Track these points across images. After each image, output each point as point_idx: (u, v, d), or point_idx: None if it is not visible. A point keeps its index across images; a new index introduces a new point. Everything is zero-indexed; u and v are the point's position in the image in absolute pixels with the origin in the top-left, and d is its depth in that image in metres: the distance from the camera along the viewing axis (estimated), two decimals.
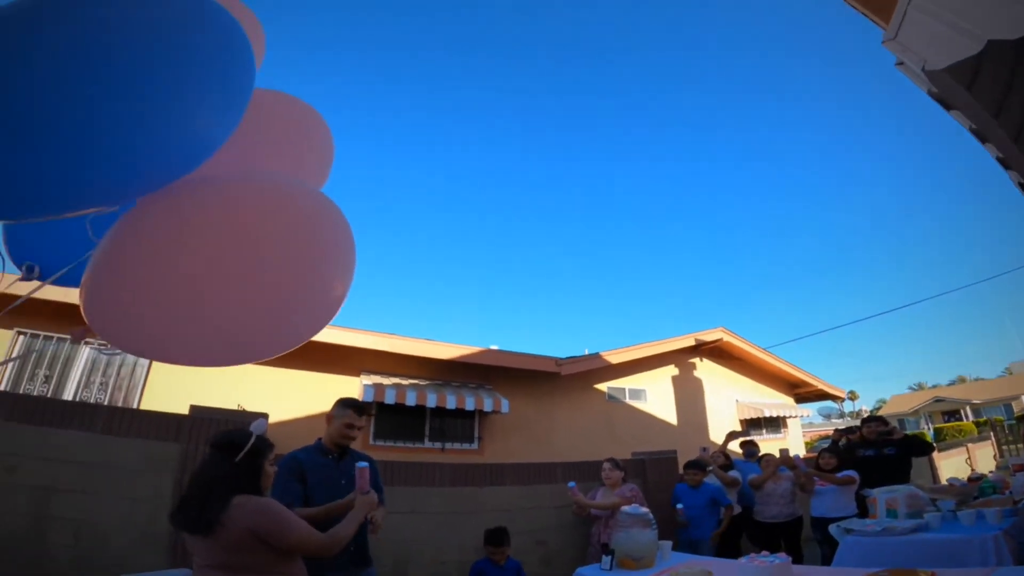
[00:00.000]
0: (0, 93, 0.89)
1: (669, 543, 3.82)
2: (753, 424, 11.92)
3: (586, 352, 9.63)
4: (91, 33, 0.95)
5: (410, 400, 7.28)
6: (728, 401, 11.71)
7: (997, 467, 10.60)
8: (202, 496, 1.82)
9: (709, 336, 11.30)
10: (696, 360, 11.54)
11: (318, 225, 1.36)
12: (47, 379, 6.48)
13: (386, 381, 7.64)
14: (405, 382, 7.86)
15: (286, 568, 1.89)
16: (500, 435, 8.51)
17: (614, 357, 9.66)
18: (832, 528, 3.98)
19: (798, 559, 4.77)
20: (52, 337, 6.60)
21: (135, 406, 6.54)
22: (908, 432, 6.65)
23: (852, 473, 4.69)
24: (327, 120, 1.91)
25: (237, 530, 1.76)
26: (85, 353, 6.70)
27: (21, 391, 6.23)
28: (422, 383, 8.05)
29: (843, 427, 5.94)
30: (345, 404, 3.00)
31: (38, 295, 6.40)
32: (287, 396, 7.05)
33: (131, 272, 1.22)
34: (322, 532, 1.99)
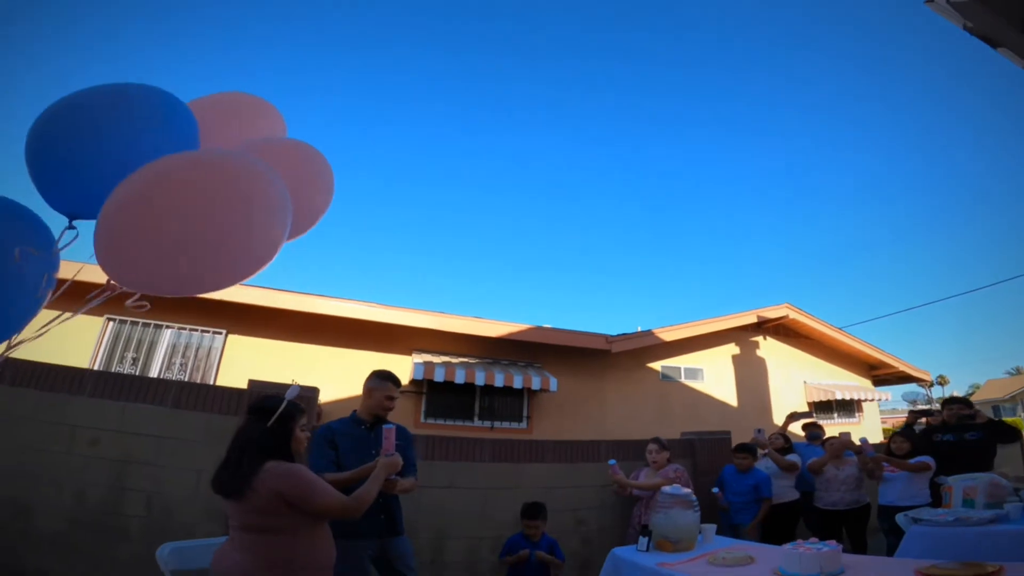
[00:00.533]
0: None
1: (713, 526, 3.64)
2: (823, 407, 11.21)
3: (639, 329, 9.37)
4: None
5: (459, 378, 7.36)
6: (795, 382, 11.06)
7: None
8: (236, 460, 1.90)
9: (773, 313, 10.68)
10: (759, 338, 10.95)
11: (255, 186, 1.66)
12: (135, 361, 7.11)
13: (436, 359, 7.76)
14: (455, 360, 7.95)
15: (313, 531, 1.94)
16: (549, 414, 8.47)
17: (668, 334, 9.34)
18: (899, 517, 3.68)
19: (861, 549, 4.44)
20: (138, 323, 7.22)
21: (211, 383, 7.03)
22: (1003, 419, 6.02)
23: (927, 459, 4.29)
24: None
25: (266, 493, 1.82)
26: (168, 337, 7.28)
27: (112, 370, 6.87)
28: (471, 361, 8.12)
29: (919, 409, 5.42)
30: (383, 377, 3.08)
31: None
32: (342, 375, 7.32)
33: (122, 222, 1.53)
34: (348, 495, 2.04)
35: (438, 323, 7.86)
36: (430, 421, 7.71)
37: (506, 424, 8.10)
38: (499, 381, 7.57)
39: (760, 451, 4.88)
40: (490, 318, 8.40)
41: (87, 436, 3.60)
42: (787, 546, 2.92)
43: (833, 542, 2.93)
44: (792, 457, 4.83)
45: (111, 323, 7.14)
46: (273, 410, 2.00)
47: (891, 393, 13.22)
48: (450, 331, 7.97)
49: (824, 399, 10.86)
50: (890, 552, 4.00)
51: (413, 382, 7.71)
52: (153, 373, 7.06)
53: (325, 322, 7.49)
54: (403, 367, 7.81)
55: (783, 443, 5.00)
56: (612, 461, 4.20)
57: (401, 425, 3.01)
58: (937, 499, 3.98)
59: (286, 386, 3.92)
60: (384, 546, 2.85)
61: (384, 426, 2.59)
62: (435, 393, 7.75)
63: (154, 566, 2.43)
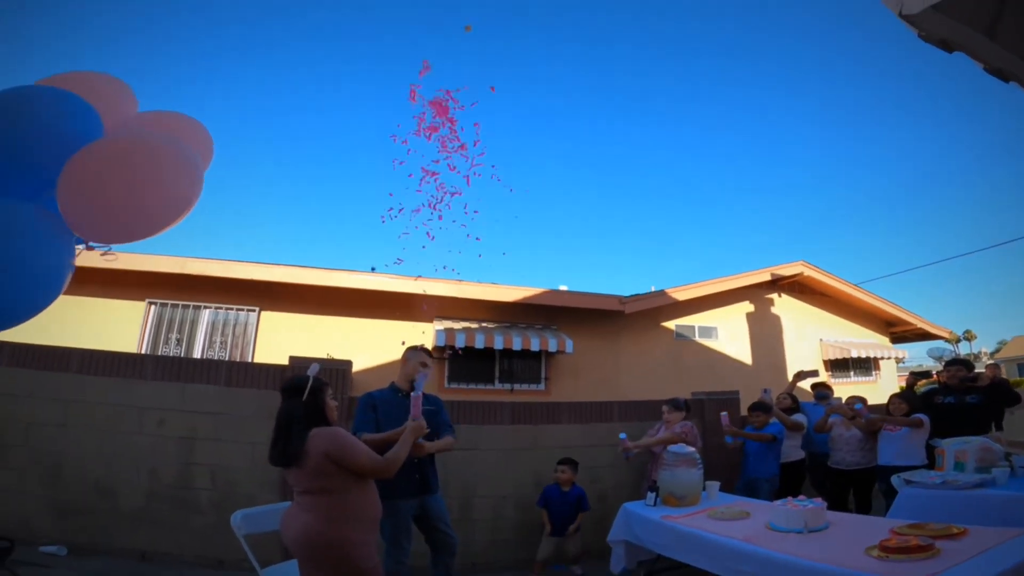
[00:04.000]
0: None
1: (717, 484, 3.94)
2: (839, 365, 11.33)
3: (652, 289, 9.54)
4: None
5: (479, 343, 7.70)
6: (811, 340, 11.18)
7: None
8: (286, 434, 2.17)
9: (787, 271, 10.70)
10: (774, 296, 11.04)
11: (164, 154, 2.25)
12: (179, 342, 7.64)
13: (456, 326, 8.09)
14: (474, 326, 8.27)
15: (362, 489, 2.23)
16: (567, 375, 8.82)
17: (681, 294, 9.49)
18: (894, 479, 3.85)
19: (866, 510, 4.63)
20: (178, 305, 7.70)
21: (250, 359, 7.56)
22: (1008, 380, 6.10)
23: (921, 416, 4.44)
24: None
25: (317, 456, 2.10)
26: (207, 316, 7.79)
27: (159, 353, 7.40)
28: (490, 326, 8.43)
29: (920, 371, 5.56)
30: (416, 348, 3.47)
31: (164, 268, 7.40)
32: (369, 344, 7.73)
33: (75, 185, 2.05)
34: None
35: (457, 290, 8.12)
36: (453, 386, 8.11)
37: (525, 386, 8.47)
38: (517, 344, 7.89)
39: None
40: (506, 283, 8.66)
41: (154, 417, 4.00)
42: (777, 503, 3.22)
43: (819, 499, 3.21)
44: (798, 417, 5.01)
45: (153, 307, 7.65)
46: (303, 387, 2.26)
47: (908, 351, 13.26)
48: (469, 298, 8.25)
49: (840, 357, 10.98)
50: (887, 513, 4.23)
51: (435, 348, 8.07)
52: (196, 352, 7.59)
53: (350, 295, 7.83)
54: (426, 334, 8.18)
55: (790, 403, 5.18)
56: (623, 435, 4.38)
57: (431, 394, 3.35)
58: (933, 461, 4.16)
59: (323, 359, 4.27)
60: (423, 504, 3.18)
61: (412, 393, 2.87)
62: (457, 358, 8.11)
63: (224, 533, 2.79)
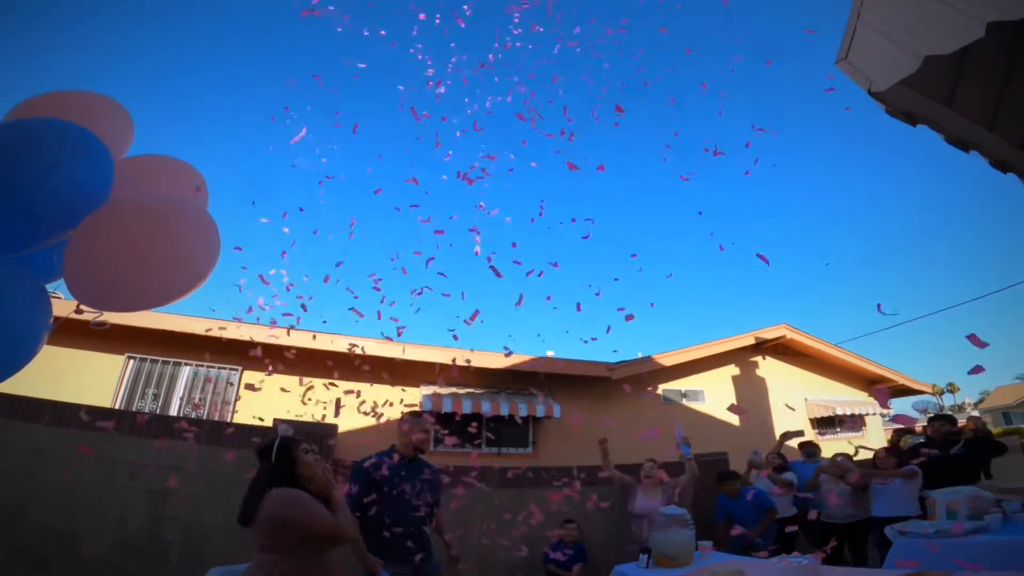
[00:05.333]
0: None
1: (710, 543, 3.86)
2: (825, 423, 11.35)
3: (639, 355, 9.61)
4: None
5: (466, 408, 7.62)
6: (796, 400, 11.23)
7: None
8: (248, 495, 2.15)
9: (770, 334, 10.92)
10: (758, 359, 11.18)
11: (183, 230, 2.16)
12: (155, 397, 7.41)
13: (443, 391, 8.02)
14: (461, 391, 8.20)
15: (316, 555, 2.09)
16: (554, 439, 8.67)
17: (668, 359, 9.58)
18: (888, 530, 3.85)
19: (862, 562, 4.59)
20: (158, 360, 7.55)
21: (228, 420, 7.32)
22: (1015, 426, 6.16)
23: (913, 467, 4.48)
24: None
25: (265, 516, 2.04)
26: (186, 373, 7.60)
27: (134, 408, 7.16)
28: (477, 392, 8.36)
29: (902, 428, 5.65)
30: (415, 417, 3.48)
31: (144, 323, 7.29)
32: (356, 408, 7.58)
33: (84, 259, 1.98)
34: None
35: (444, 357, 8.13)
36: (439, 449, 7.91)
37: (512, 450, 8.30)
38: (504, 410, 7.81)
39: (757, 472, 5.08)
40: (493, 350, 8.68)
41: (125, 471, 3.90)
42: (773, 560, 3.16)
43: (813, 556, 3.17)
44: (788, 475, 5.05)
45: (132, 361, 7.46)
46: (271, 448, 2.24)
47: (893, 407, 13.32)
48: (457, 364, 8.24)
49: (826, 415, 11.01)
50: (882, 564, 4.18)
51: (408, 413, 7.94)
52: (173, 409, 7.34)
53: (335, 358, 7.77)
54: (412, 399, 8.07)
55: (780, 462, 5.21)
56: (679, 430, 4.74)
57: (432, 466, 3.41)
58: (925, 512, 4.16)
59: (308, 423, 4.21)
60: (418, 570, 3.10)
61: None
62: (444, 423, 7.98)
63: None
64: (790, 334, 11.08)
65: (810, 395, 11.46)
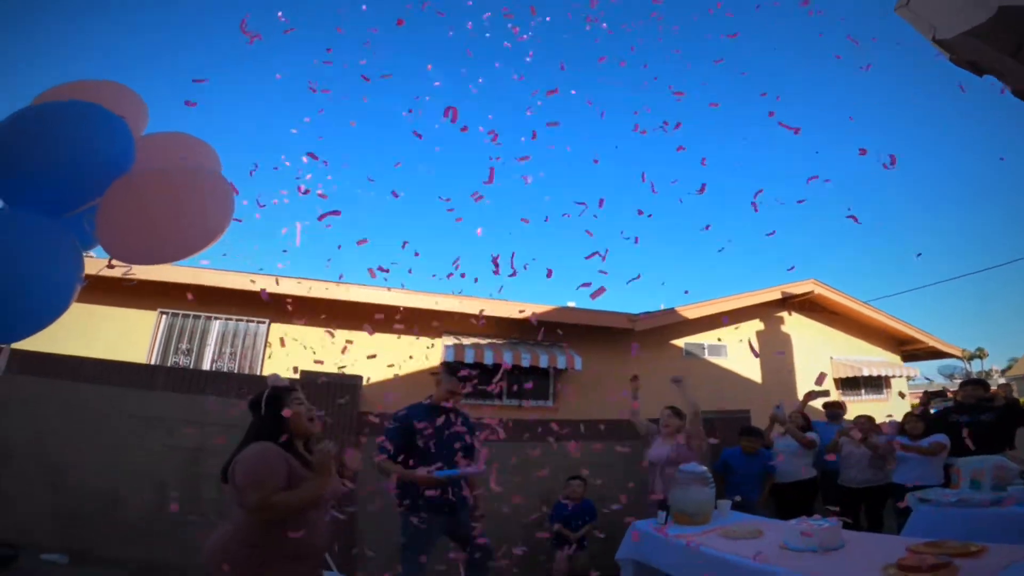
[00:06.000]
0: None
1: (728, 502, 3.90)
2: (850, 383, 11.24)
3: (662, 307, 9.54)
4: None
5: (488, 359, 7.70)
6: (821, 358, 11.10)
7: None
8: (235, 450, 2.09)
9: (798, 289, 10.67)
10: (784, 314, 10.99)
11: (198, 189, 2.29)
12: (188, 352, 7.71)
13: (465, 341, 8.11)
14: (483, 342, 8.28)
15: (280, 520, 1.93)
16: (575, 392, 8.78)
17: (691, 312, 9.48)
18: (909, 497, 3.84)
19: (877, 528, 4.60)
20: (189, 315, 7.79)
21: (259, 372, 7.61)
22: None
23: (940, 437, 4.41)
24: None
25: (231, 476, 1.99)
26: (217, 327, 7.87)
27: (169, 364, 7.48)
28: (499, 342, 8.44)
29: (934, 391, 5.53)
30: (448, 372, 3.55)
31: (177, 278, 7.49)
32: (381, 359, 7.74)
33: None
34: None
35: (466, 306, 8.16)
36: (461, 402, 8.09)
37: (533, 403, 8.44)
38: (526, 361, 7.89)
39: (780, 427, 5.04)
40: (516, 299, 8.68)
41: (163, 428, 4.03)
42: (792, 522, 3.18)
43: (834, 519, 3.17)
44: (811, 435, 5.00)
45: (164, 316, 7.73)
46: (259, 401, 2.16)
47: (920, 369, 13.12)
48: (477, 314, 8.28)
49: (851, 375, 10.89)
50: (899, 531, 4.19)
51: (444, 364, 8.08)
52: (206, 363, 7.64)
53: (359, 309, 7.87)
54: (435, 350, 8.20)
55: (802, 422, 5.15)
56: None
57: (467, 416, 3.55)
58: (948, 480, 4.13)
59: (333, 374, 4.29)
60: (452, 521, 3.26)
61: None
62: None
63: None
64: (818, 289, 10.82)
65: (836, 354, 11.31)
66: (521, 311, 8.49)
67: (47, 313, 2.06)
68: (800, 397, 5.81)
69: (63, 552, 3.80)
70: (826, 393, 5.91)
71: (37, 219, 2.00)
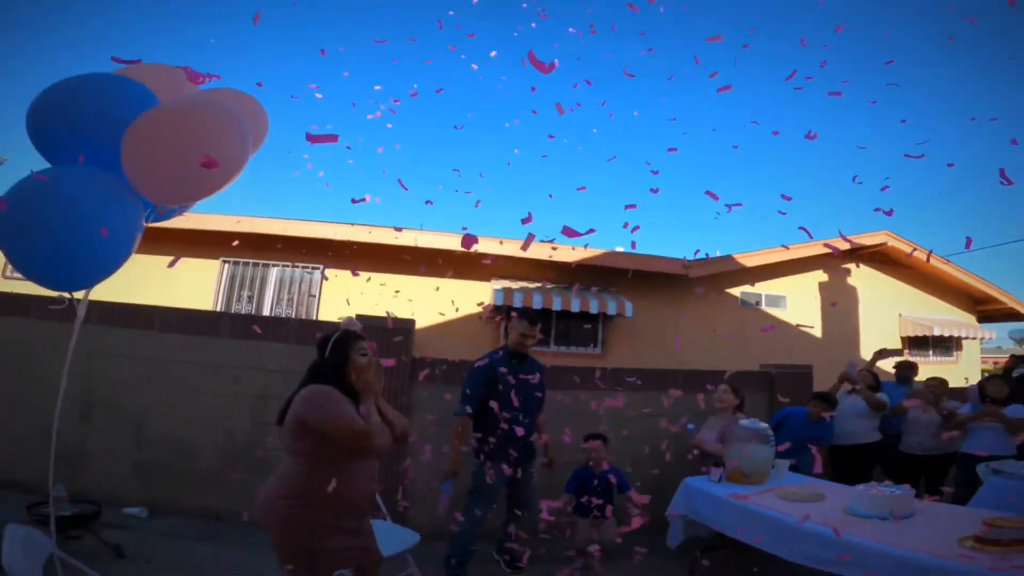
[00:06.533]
0: None
1: (787, 462, 3.76)
2: (918, 343, 10.57)
3: (717, 254, 9.14)
4: None
5: (536, 303, 7.64)
6: (889, 314, 10.45)
7: None
8: (294, 392, 2.03)
9: (869, 240, 9.92)
10: (851, 266, 10.32)
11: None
12: (249, 299, 8.07)
13: (514, 285, 8.04)
14: (532, 286, 8.19)
15: (337, 467, 1.90)
16: (624, 339, 8.67)
17: (750, 260, 9.02)
18: (981, 468, 3.59)
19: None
20: (249, 263, 8.08)
21: (315, 317, 7.86)
22: None
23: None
24: None
25: (289, 415, 1.95)
26: (275, 274, 8.16)
27: (232, 311, 7.86)
28: (548, 287, 8.33)
29: (1019, 354, 5.06)
30: (520, 316, 3.44)
31: (236, 228, 7.72)
32: (430, 304, 7.80)
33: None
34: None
35: (515, 250, 8.03)
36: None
37: (581, 349, 8.40)
38: (575, 306, 7.78)
39: (850, 386, 4.69)
40: (566, 243, 8.47)
41: (229, 375, 4.11)
42: (860, 486, 3.02)
43: (907, 486, 2.99)
44: (880, 396, 4.69)
45: (226, 265, 8.07)
46: (325, 344, 2.10)
47: (996, 331, 12.21)
48: (528, 257, 8.15)
49: (920, 334, 10.24)
50: (960, 504, 3.90)
51: (492, 308, 8.09)
52: (266, 309, 8.01)
53: (410, 253, 7.88)
54: (484, 294, 8.18)
55: (872, 381, 4.84)
56: (691, 426, 4.05)
57: (540, 364, 3.47)
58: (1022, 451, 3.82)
59: (382, 318, 4.25)
60: (518, 473, 3.27)
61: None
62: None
63: None
64: (892, 241, 10.05)
65: (905, 310, 10.62)
66: (570, 253, 8.31)
67: (111, 260, 2.08)
68: (863, 354, 5.47)
69: (142, 504, 3.97)
70: (899, 352, 5.52)
71: (91, 170, 2.01)
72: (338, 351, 2.07)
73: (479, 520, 3.18)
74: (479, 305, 6.26)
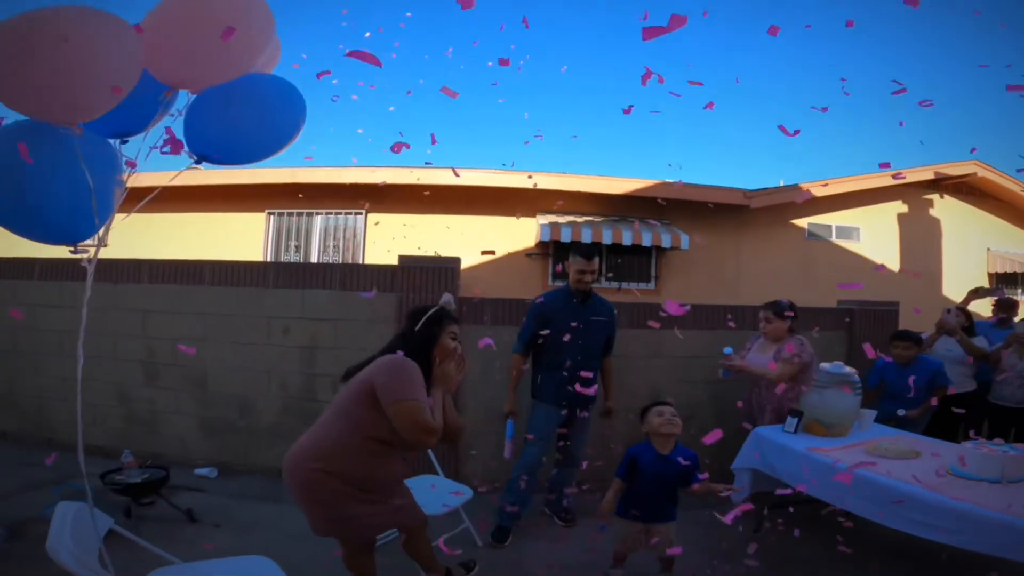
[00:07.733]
0: None
1: (872, 412, 3.37)
2: (1006, 280, 9.58)
3: (781, 184, 8.39)
4: None
5: (585, 237, 7.23)
6: (975, 249, 9.47)
7: None
8: (377, 353, 2.02)
9: (955, 170, 8.88)
10: (934, 196, 9.33)
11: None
12: (297, 248, 8.11)
13: (561, 220, 7.64)
14: (580, 220, 7.77)
15: (372, 447, 1.86)
16: (679, 274, 8.22)
17: (818, 189, 8.22)
18: None
19: None
20: (293, 213, 8.06)
21: (361, 261, 7.80)
22: None
23: None
24: None
25: (361, 375, 1.91)
26: (319, 222, 8.12)
27: (281, 260, 7.95)
28: (597, 220, 7.89)
29: None
30: (574, 252, 3.22)
31: (282, 179, 7.71)
32: (475, 241, 7.55)
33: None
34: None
35: (562, 183, 7.60)
36: (558, 284, 7.82)
37: (633, 285, 8.02)
38: (627, 239, 7.34)
39: (950, 336, 4.10)
40: (617, 175, 7.96)
41: (280, 325, 4.02)
42: (967, 444, 2.66)
43: (1021, 445, 2.63)
44: (979, 341, 4.14)
45: (272, 217, 8.08)
46: (419, 316, 2.05)
47: None
48: (575, 190, 7.72)
49: (1009, 271, 9.28)
50: None
51: (540, 244, 7.76)
52: (313, 258, 8.02)
53: (452, 192, 7.55)
54: (530, 230, 7.84)
55: (966, 322, 4.30)
56: (728, 349, 3.50)
57: (611, 306, 3.31)
58: None
59: (432, 258, 4.01)
60: (570, 419, 3.11)
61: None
62: (562, 254, 7.77)
63: None
64: (981, 171, 8.98)
65: (993, 245, 9.61)
66: (620, 184, 7.78)
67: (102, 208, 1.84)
68: (945, 292, 4.86)
69: (211, 463, 3.98)
70: (999, 291, 4.87)
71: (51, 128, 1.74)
72: (429, 327, 2.02)
73: (529, 466, 3.06)
74: (528, 255, 5.93)
